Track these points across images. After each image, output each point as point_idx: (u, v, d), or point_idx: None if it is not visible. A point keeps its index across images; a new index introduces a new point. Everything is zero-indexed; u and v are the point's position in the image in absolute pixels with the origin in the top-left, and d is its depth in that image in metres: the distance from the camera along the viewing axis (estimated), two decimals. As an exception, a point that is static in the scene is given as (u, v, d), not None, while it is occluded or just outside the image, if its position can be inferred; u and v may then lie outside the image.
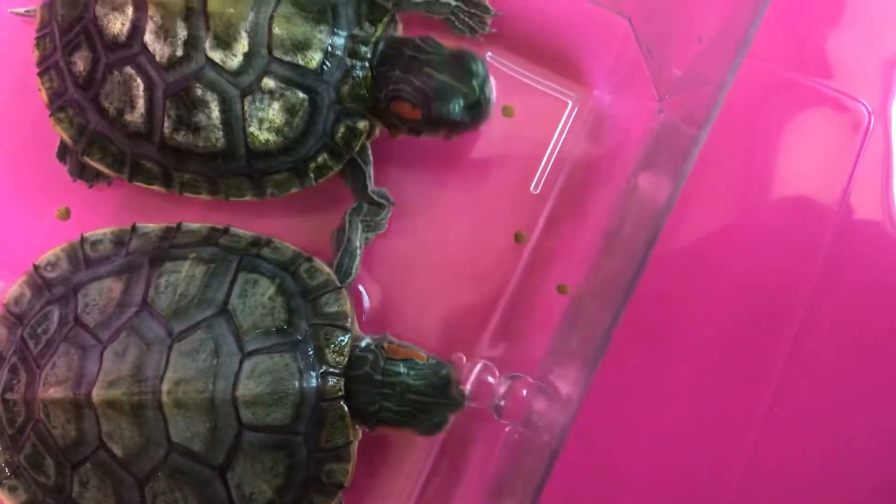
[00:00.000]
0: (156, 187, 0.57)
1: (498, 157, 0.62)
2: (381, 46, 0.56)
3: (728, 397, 0.60)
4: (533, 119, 0.62)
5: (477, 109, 0.54)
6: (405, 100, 0.55)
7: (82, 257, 0.55)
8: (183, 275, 0.52)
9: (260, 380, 0.49)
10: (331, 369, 0.51)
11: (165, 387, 0.49)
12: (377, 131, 0.58)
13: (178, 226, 0.56)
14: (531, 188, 0.62)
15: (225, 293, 0.51)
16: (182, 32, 0.53)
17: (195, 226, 0.56)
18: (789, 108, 0.62)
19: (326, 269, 0.55)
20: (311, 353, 0.51)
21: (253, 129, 0.54)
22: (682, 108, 0.52)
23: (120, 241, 0.56)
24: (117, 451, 0.50)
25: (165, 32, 0.53)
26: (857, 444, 0.60)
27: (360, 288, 0.61)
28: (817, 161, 0.62)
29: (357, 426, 0.53)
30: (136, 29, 0.54)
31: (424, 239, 0.61)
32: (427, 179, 0.62)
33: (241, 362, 0.50)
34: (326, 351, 0.51)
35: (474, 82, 0.54)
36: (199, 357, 0.49)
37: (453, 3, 0.60)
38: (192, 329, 0.50)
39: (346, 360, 0.51)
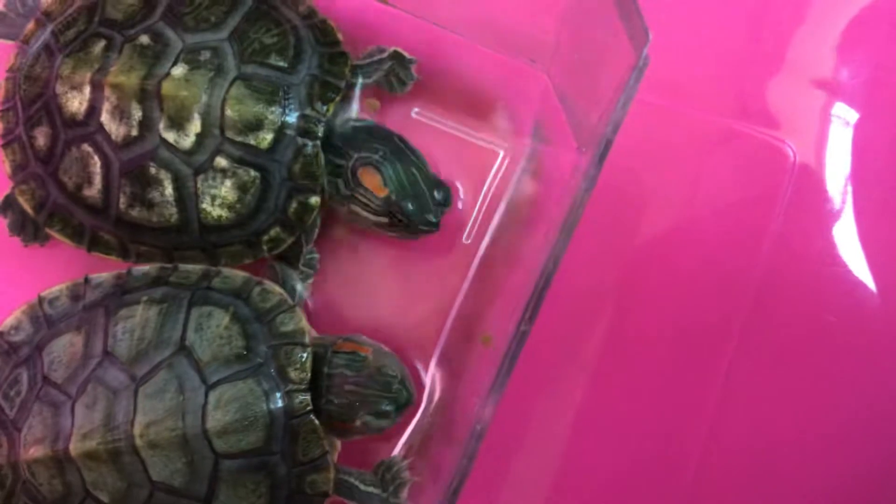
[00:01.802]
0: (113, 257, 0.59)
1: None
2: (369, 124, 0.59)
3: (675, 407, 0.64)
4: (464, 170, 0.64)
5: (432, 231, 0.58)
6: (377, 171, 0.57)
7: (42, 317, 0.57)
8: (138, 319, 0.54)
9: (227, 408, 0.51)
10: (295, 386, 0.52)
11: (137, 430, 0.50)
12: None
13: (129, 271, 0.57)
14: (463, 238, 0.63)
15: (181, 330, 0.53)
16: (137, 113, 0.55)
17: (144, 268, 0.57)
18: (722, 151, 0.66)
19: (278, 289, 0.56)
20: (273, 373, 0.52)
21: (206, 205, 0.56)
22: (588, 164, 0.54)
23: (76, 295, 0.57)
24: (104, 498, 0.51)
25: (121, 113, 0.55)
26: (800, 445, 0.63)
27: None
28: (748, 201, 0.65)
29: (333, 437, 0.55)
30: (94, 108, 0.55)
31: (357, 291, 0.63)
32: (358, 240, 0.64)
33: (206, 395, 0.51)
34: (289, 369, 0.53)
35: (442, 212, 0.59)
36: (165, 397, 0.51)
37: (389, 66, 0.62)
38: (154, 371, 0.52)
39: (308, 375, 0.53)
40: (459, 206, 0.63)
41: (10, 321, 0.57)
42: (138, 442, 0.50)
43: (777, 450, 0.63)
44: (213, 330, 0.53)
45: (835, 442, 0.63)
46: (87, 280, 0.57)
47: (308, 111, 0.56)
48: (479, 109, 0.65)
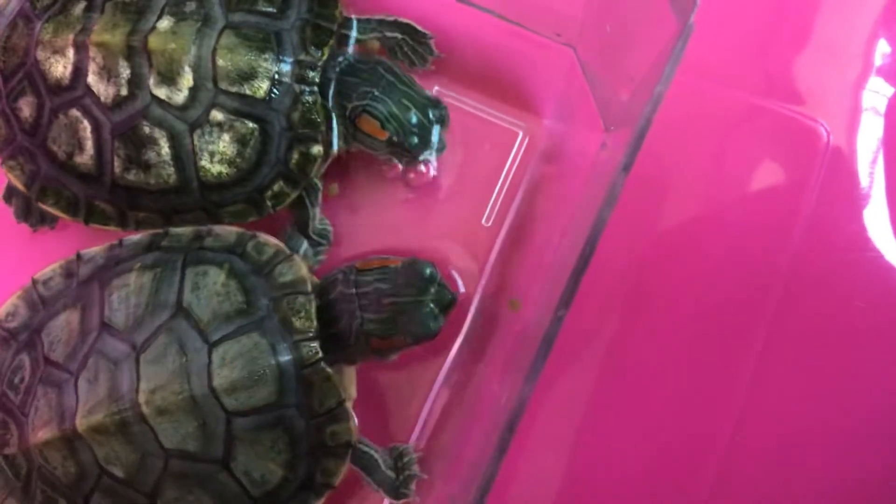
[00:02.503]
0: (112, 227, 0.56)
1: (450, 188, 0.62)
2: (351, 58, 0.57)
3: (698, 407, 0.61)
4: (484, 150, 0.62)
5: (439, 146, 0.58)
6: (375, 118, 0.55)
7: (38, 299, 0.55)
8: (132, 287, 0.52)
9: (233, 365, 0.49)
10: (301, 336, 0.50)
11: (142, 398, 0.48)
12: (331, 158, 0.58)
13: (120, 242, 0.55)
14: (482, 221, 0.61)
15: (176, 293, 0.51)
16: (125, 72, 0.52)
17: (136, 237, 0.55)
18: (753, 130, 0.63)
19: (273, 240, 0.54)
20: (277, 325, 0.50)
21: (204, 162, 0.54)
22: (621, 142, 0.52)
23: (69, 272, 0.55)
24: (118, 472, 0.49)
25: (108, 73, 0.53)
26: (831, 434, 0.60)
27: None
28: (780, 181, 0.62)
29: (352, 377, 0.54)
30: (79, 71, 0.53)
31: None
32: (378, 211, 0.62)
33: (209, 354, 0.49)
34: (293, 319, 0.50)
35: (442, 119, 0.58)
36: (167, 361, 0.49)
37: (399, 37, 0.60)
38: (154, 336, 0.50)
39: (314, 323, 0.51)
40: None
41: (5, 308, 0.55)
42: (145, 409, 0.48)
43: (806, 441, 0.60)
44: (211, 288, 0.51)
45: (866, 432, 0.60)
46: (78, 256, 0.55)
47: (302, 56, 0.54)
48: (500, 88, 0.63)
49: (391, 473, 0.55)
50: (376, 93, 0.56)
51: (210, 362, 0.49)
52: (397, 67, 0.57)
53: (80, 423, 0.48)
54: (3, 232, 0.62)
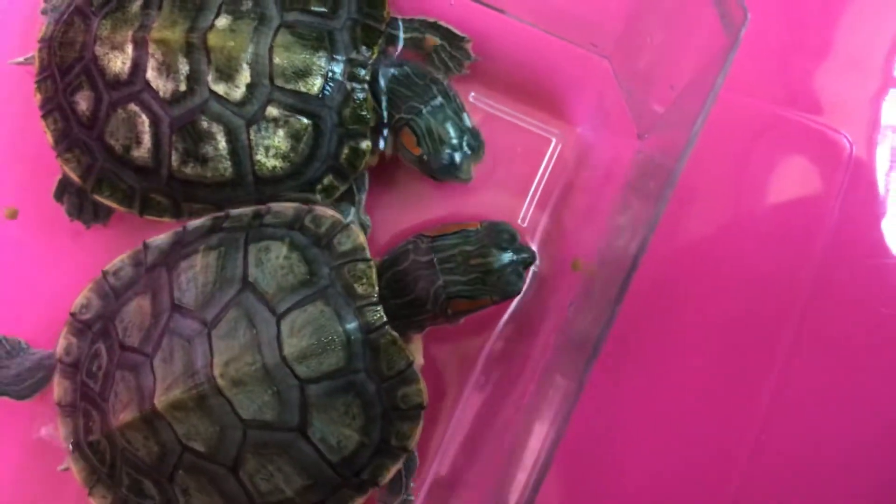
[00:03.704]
0: (166, 219, 0.58)
1: (486, 191, 0.64)
2: (406, 67, 0.59)
3: (723, 411, 0.63)
4: (518, 156, 0.64)
5: (463, 176, 0.60)
6: (414, 133, 0.58)
7: (109, 289, 0.57)
8: (199, 267, 0.53)
9: (302, 333, 0.50)
10: (364, 301, 0.52)
11: (217, 371, 0.50)
12: (377, 156, 0.60)
13: (184, 227, 0.57)
14: (518, 220, 0.64)
15: (241, 268, 0.53)
16: (184, 68, 0.54)
17: (198, 221, 0.57)
18: (775, 141, 0.65)
19: (330, 212, 0.56)
20: (341, 292, 0.52)
21: (260, 156, 0.56)
22: (659, 147, 0.54)
23: (137, 261, 0.57)
24: (199, 447, 0.51)
25: (167, 68, 0.54)
26: (856, 442, 0.62)
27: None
28: (803, 192, 0.64)
29: (418, 345, 0.56)
30: (138, 66, 0.55)
31: None
32: (416, 210, 0.64)
33: (278, 324, 0.51)
34: (355, 286, 0.52)
35: (473, 165, 0.60)
36: (237, 334, 0.51)
37: (438, 42, 0.62)
38: (223, 311, 0.51)
39: (376, 288, 0.53)
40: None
41: (79, 301, 0.57)
42: (220, 382, 0.50)
43: (831, 451, 0.62)
44: (274, 262, 0.53)
45: (892, 441, 0.62)
46: (145, 245, 0.57)
47: (354, 55, 0.56)
48: (534, 95, 0.64)
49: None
50: (423, 111, 0.58)
51: (279, 332, 0.50)
52: (451, 90, 0.60)
53: (159, 402, 0.50)
54: (59, 229, 0.63)
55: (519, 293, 0.55)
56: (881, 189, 0.65)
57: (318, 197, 0.58)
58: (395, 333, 0.52)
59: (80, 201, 0.61)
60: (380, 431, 0.53)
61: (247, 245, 0.53)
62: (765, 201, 0.64)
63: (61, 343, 0.57)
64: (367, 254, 0.54)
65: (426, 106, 0.58)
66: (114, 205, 0.58)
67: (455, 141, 0.58)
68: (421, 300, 0.54)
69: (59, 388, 0.56)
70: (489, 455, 0.60)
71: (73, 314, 0.57)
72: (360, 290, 0.52)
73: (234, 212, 0.57)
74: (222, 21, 0.54)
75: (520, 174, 0.64)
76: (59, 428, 0.56)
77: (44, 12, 0.61)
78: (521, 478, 0.49)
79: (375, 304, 0.52)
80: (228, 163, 0.56)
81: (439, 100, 0.59)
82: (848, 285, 0.63)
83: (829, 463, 0.62)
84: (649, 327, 0.63)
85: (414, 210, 0.64)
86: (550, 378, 0.56)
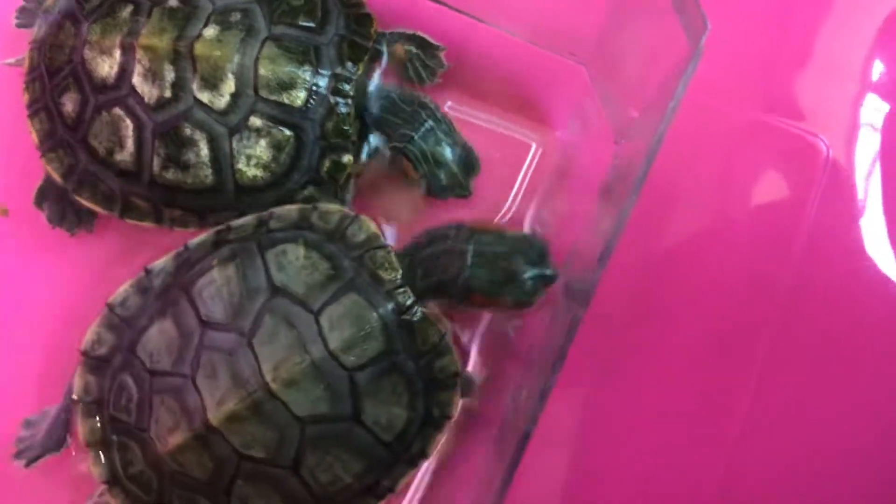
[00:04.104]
0: (147, 223, 0.59)
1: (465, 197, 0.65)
2: (393, 94, 0.60)
3: (706, 410, 0.64)
4: (497, 161, 0.65)
5: (463, 193, 0.62)
6: (409, 160, 0.60)
7: (119, 321, 0.56)
8: (219, 281, 0.54)
9: (341, 325, 0.52)
10: (391, 285, 0.54)
11: (268, 376, 0.50)
12: (363, 166, 0.61)
13: (186, 246, 0.57)
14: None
15: (265, 276, 0.53)
16: (170, 75, 0.55)
17: (200, 238, 0.57)
18: (755, 146, 0.66)
19: (335, 206, 0.57)
20: (368, 281, 0.53)
21: (241, 165, 0.56)
22: (632, 152, 0.55)
23: (142, 288, 0.57)
24: (259, 454, 0.51)
25: (153, 75, 0.55)
26: (836, 445, 0.63)
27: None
28: (781, 196, 0.66)
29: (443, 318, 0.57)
30: (125, 72, 0.55)
31: None
32: (393, 212, 0.64)
33: (316, 321, 0.52)
34: (380, 273, 0.54)
35: (471, 180, 0.62)
36: (279, 337, 0.51)
37: (413, 50, 0.63)
38: (259, 319, 0.52)
39: (399, 271, 0.54)
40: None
41: (89, 338, 0.57)
42: (273, 386, 0.50)
43: (810, 452, 0.63)
44: (295, 263, 0.54)
45: (871, 443, 0.63)
46: (147, 271, 0.57)
47: (339, 70, 0.57)
48: (513, 101, 0.65)
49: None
50: (415, 137, 0.60)
51: (320, 328, 0.51)
52: (439, 112, 0.61)
53: (214, 417, 0.50)
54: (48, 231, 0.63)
55: (532, 306, 0.56)
56: (859, 191, 0.66)
57: (298, 208, 0.58)
58: (423, 311, 0.54)
59: (61, 208, 0.62)
60: (424, 404, 0.54)
61: (262, 252, 0.54)
62: (745, 205, 0.66)
63: (78, 383, 0.56)
64: (382, 240, 0.55)
65: (417, 132, 0.60)
66: (94, 206, 0.59)
67: (450, 161, 0.60)
68: (445, 284, 0.55)
69: (84, 427, 0.56)
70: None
71: (85, 352, 0.56)
72: (385, 276, 0.54)
73: (237, 223, 0.57)
74: (210, 31, 0.55)
75: (499, 180, 0.65)
76: (91, 468, 0.56)
77: (19, 26, 0.63)
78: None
79: (402, 286, 0.54)
80: (210, 170, 0.56)
81: (429, 123, 0.60)
82: (826, 286, 0.64)
83: (808, 465, 0.63)
84: (627, 333, 0.64)
85: (400, 215, 0.64)
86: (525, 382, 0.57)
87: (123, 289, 0.57)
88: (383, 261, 0.54)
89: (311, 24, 0.57)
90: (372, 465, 0.54)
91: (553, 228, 0.63)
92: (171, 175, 0.56)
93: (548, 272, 0.55)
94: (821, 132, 0.65)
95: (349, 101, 0.57)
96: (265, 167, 0.57)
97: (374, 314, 0.53)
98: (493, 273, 0.55)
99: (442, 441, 0.56)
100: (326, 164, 0.58)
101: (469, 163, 0.61)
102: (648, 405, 0.63)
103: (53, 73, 0.58)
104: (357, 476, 0.53)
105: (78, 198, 0.59)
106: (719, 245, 0.65)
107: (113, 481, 0.55)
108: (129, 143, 0.56)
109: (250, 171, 0.56)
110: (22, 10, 0.64)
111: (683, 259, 0.65)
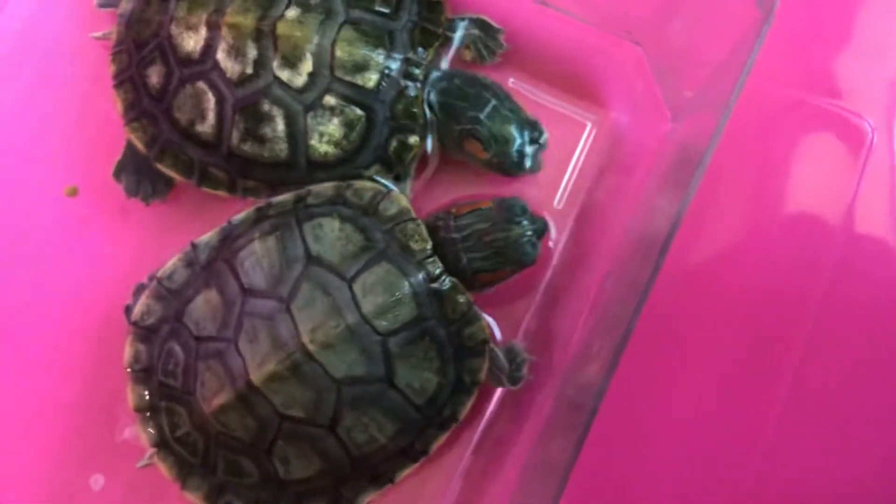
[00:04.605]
0: (221, 192, 0.62)
1: (523, 176, 0.66)
2: (456, 80, 0.62)
3: (741, 405, 0.65)
4: (554, 139, 0.66)
5: (534, 167, 0.63)
6: (478, 140, 0.61)
7: (167, 293, 0.60)
8: (259, 252, 0.57)
9: (374, 292, 0.55)
10: (422, 255, 0.56)
11: (306, 339, 0.54)
12: (429, 149, 0.63)
13: (229, 221, 0.60)
14: (554, 203, 0.66)
15: (302, 247, 0.56)
16: (252, 52, 0.58)
17: (242, 215, 0.60)
18: (797, 125, 0.67)
19: (369, 184, 0.60)
20: (398, 251, 0.56)
21: (314, 141, 0.59)
22: (692, 129, 0.57)
23: (189, 262, 0.60)
24: (298, 413, 0.55)
25: (237, 52, 0.58)
26: (867, 450, 0.64)
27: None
28: (824, 176, 0.66)
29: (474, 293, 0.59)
30: (209, 48, 0.59)
31: None
32: (458, 193, 0.66)
33: (350, 288, 0.55)
34: (410, 243, 0.57)
35: (540, 154, 0.63)
36: (316, 303, 0.54)
37: (476, 33, 0.65)
38: (297, 286, 0.55)
39: (429, 242, 0.57)
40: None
41: (139, 309, 0.60)
42: (311, 348, 0.53)
43: (842, 459, 0.63)
44: (330, 235, 0.57)
45: None
46: (193, 245, 0.60)
47: (411, 55, 0.60)
48: (569, 82, 0.67)
49: (506, 364, 0.60)
50: (482, 117, 0.61)
51: (353, 295, 0.55)
52: (502, 91, 0.63)
53: (256, 377, 0.54)
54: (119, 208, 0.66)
55: (534, 262, 0.59)
56: None
57: (365, 185, 0.61)
58: (453, 280, 0.57)
59: (137, 179, 0.65)
60: (454, 370, 0.57)
61: (300, 225, 0.57)
62: (787, 185, 0.66)
63: (128, 352, 0.59)
64: (413, 214, 0.58)
65: (482, 112, 0.61)
66: (174, 174, 0.62)
67: (518, 138, 0.61)
68: (451, 273, 0.58)
69: (133, 394, 0.59)
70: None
71: (135, 323, 0.60)
72: (415, 246, 0.57)
73: (276, 200, 0.60)
74: (292, 12, 0.58)
75: (556, 158, 0.66)
76: (140, 433, 0.59)
77: (100, 5, 0.66)
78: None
79: (431, 256, 0.57)
80: (285, 145, 0.59)
81: (493, 103, 0.62)
82: (867, 271, 0.65)
83: (835, 473, 0.64)
84: (672, 311, 0.65)
85: (454, 194, 0.66)
86: (586, 356, 0.59)
87: (171, 262, 0.60)
88: (413, 233, 0.57)
89: (387, 10, 0.60)
90: (405, 428, 0.57)
91: (609, 208, 0.65)
92: (248, 148, 0.59)
93: (536, 224, 0.59)
94: (865, 113, 0.66)
95: (419, 84, 0.60)
96: (336, 144, 0.59)
97: (405, 282, 0.55)
98: (484, 250, 0.58)
99: (469, 407, 0.58)
100: (394, 144, 0.60)
101: (537, 138, 0.62)
102: (678, 408, 0.64)
103: (140, 45, 0.61)
104: (391, 437, 0.56)
105: (159, 165, 0.62)
106: (762, 225, 0.66)
107: (161, 444, 0.59)
108: (211, 116, 0.59)
109: (322, 148, 0.59)
110: None
111: (727, 238, 0.66)
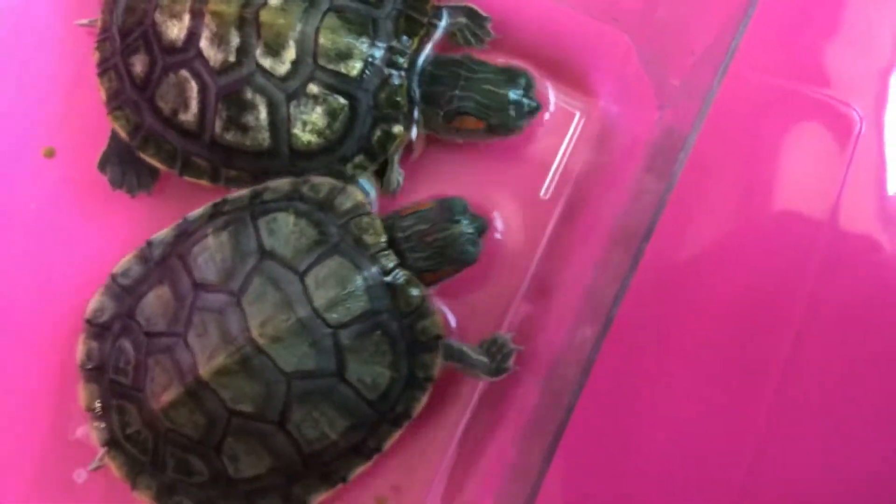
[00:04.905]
0: (204, 181, 0.61)
1: (510, 165, 0.67)
2: (428, 67, 0.61)
3: (729, 400, 0.64)
4: (541, 129, 0.67)
5: (531, 115, 0.62)
6: (470, 115, 0.61)
7: (120, 290, 0.60)
8: (213, 247, 0.57)
9: (326, 285, 0.54)
10: (374, 249, 0.56)
11: (256, 332, 0.53)
12: (413, 138, 0.63)
13: (184, 218, 0.60)
14: (541, 194, 0.66)
15: (255, 241, 0.56)
16: (235, 40, 0.58)
17: (198, 211, 0.60)
18: (785, 115, 0.67)
19: (325, 179, 0.60)
20: (352, 245, 0.56)
21: (297, 130, 0.59)
22: (677, 117, 0.56)
23: (143, 258, 0.60)
24: (247, 408, 0.54)
25: (220, 39, 0.58)
26: (857, 448, 0.63)
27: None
28: (812, 166, 0.66)
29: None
30: (193, 36, 0.58)
31: None
32: (444, 185, 0.66)
33: (302, 281, 0.54)
34: (364, 237, 0.56)
35: (530, 92, 0.62)
36: (266, 297, 0.54)
37: (463, 20, 0.65)
38: (248, 280, 0.55)
39: (383, 235, 0.57)
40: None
41: (92, 306, 0.60)
42: (261, 341, 0.53)
43: (834, 448, 0.63)
44: (284, 230, 0.56)
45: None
46: (149, 243, 0.60)
47: (394, 43, 0.59)
48: (557, 70, 0.67)
49: (485, 358, 0.60)
50: (458, 93, 0.61)
51: (305, 288, 0.54)
52: (467, 59, 0.62)
53: (205, 371, 0.53)
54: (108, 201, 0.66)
55: (475, 260, 0.59)
56: (889, 160, 0.66)
57: (349, 174, 0.61)
58: (408, 272, 0.56)
59: (122, 171, 0.65)
60: (407, 365, 0.57)
61: (255, 221, 0.57)
62: (774, 175, 0.66)
63: (81, 349, 0.59)
64: (368, 208, 0.58)
65: (457, 88, 0.61)
66: (157, 163, 0.62)
67: (505, 92, 0.61)
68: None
69: (85, 392, 0.59)
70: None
71: (88, 320, 0.59)
72: (369, 240, 0.56)
73: (232, 196, 0.60)
74: (275, 0, 0.58)
75: (544, 148, 0.66)
76: (91, 431, 0.59)
77: None
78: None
79: (385, 249, 0.56)
80: (267, 133, 0.59)
81: (464, 73, 0.61)
82: (855, 259, 0.65)
83: (825, 470, 0.63)
84: (659, 306, 0.64)
85: (443, 184, 0.66)
86: (571, 340, 0.58)
87: (126, 259, 0.60)
88: (368, 226, 0.57)
89: (371, -2, 0.60)
90: (357, 423, 0.56)
91: (596, 198, 0.65)
92: (231, 136, 0.59)
93: (476, 223, 0.59)
94: (853, 101, 0.66)
95: (402, 73, 0.60)
96: (319, 133, 0.59)
97: (358, 275, 0.55)
98: (426, 250, 0.58)
99: (424, 402, 0.58)
100: (377, 133, 0.60)
101: (522, 83, 0.62)
102: (664, 406, 0.64)
103: (125, 34, 0.61)
104: (342, 433, 0.56)
105: (142, 154, 0.62)
106: (749, 213, 0.65)
107: (112, 443, 0.58)
108: (194, 105, 0.59)
109: (305, 137, 0.59)
110: None
111: (714, 229, 0.65)
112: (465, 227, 0.58)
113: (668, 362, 0.64)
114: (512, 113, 0.61)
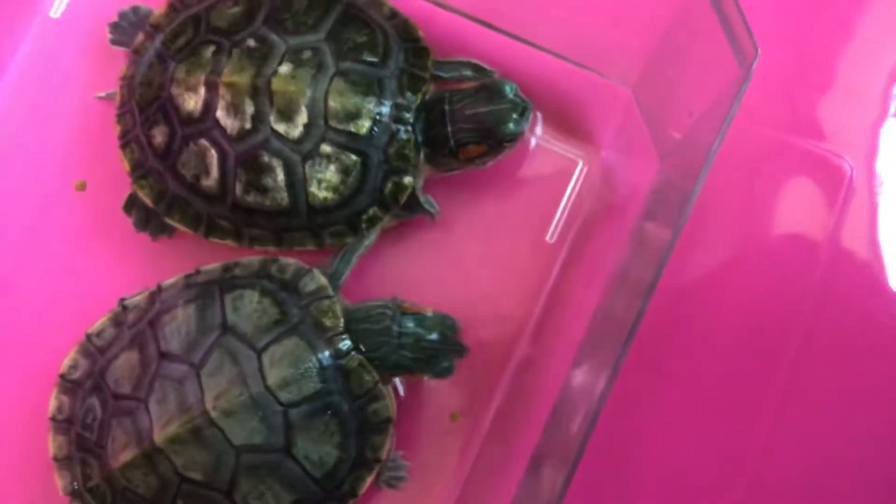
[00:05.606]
0: (229, 242, 0.65)
1: (517, 211, 0.70)
2: (422, 114, 0.64)
3: (721, 448, 0.67)
4: (546, 177, 0.70)
5: (526, 114, 0.64)
6: (470, 143, 0.64)
7: (94, 350, 0.63)
8: (180, 318, 0.60)
9: (281, 363, 0.57)
10: (332, 332, 0.59)
11: (209, 404, 0.56)
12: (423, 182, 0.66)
13: (159, 286, 0.64)
14: (547, 237, 0.69)
15: (220, 316, 0.59)
16: (250, 108, 0.61)
17: (171, 280, 0.64)
18: (782, 165, 0.70)
19: (292, 260, 0.63)
20: (311, 326, 0.59)
21: (313, 188, 0.62)
22: (679, 168, 0.59)
23: (118, 321, 0.63)
24: (197, 476, 0.57)
25: (235, 108, 0.61)
26: (853, 469, 0.67)
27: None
28: (806, 213, 0.69)
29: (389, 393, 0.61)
30: (209, 106, 0.62)
31: (447, 286, 0.69)
32: (451, 230, 0.70)
33: (259, 359, 0.57)
34: (323, 320, 0.59)
35: (513, 96, 0.64)
36: (223, 371, 0.57)
37: (469, 75, 0.68)
38: (208, 353, 0.58)
39: (341, 320, 0.59)
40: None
41: (66, 363, 0.63)
42: (213, 414, 0.56)
43: (835, 455, 0.66)
44: (248, 307, 0.59)
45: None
46: (123, 306, 0.64)
47: (400, 100, 0.63)
48: (561, 122, 0.70)
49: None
50: (450, 128, 0.64)
51: (261, 365, 0.57)
52: (447, 93, 0.65)
53: (158, 438, 0.56)
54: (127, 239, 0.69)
55: (446, 375, 0.61)
56: (880, 209, 0.69)
57: (363, 226, 0.64)
58: (359, 357, 0.59)
59: (146, 215, 0.68)
60: (356, 446, 0.59)
61: (222, 295, 0.60)
62: (771, 222, 0.69)
63: (53, 403, 0.63)
64: (330, 292, 0.61)
65: (451, 124, 0.63)
66: (183, 227, 0.65)
67: (494, 105, 0.63)
68: (379, 361, 0.60)
69: (53, 443, 0.62)
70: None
71: (62, 375, 0.63)
72: (327, 323, 0.59)
73: (205, 268, 0.64)
74: (285, 68, 0.61)
75: (548, 195, 0.69)
76: (57, 480, 0.62)
77: (113, 43, 0.69)
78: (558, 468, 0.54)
79: (342, 333, 0.59)
80: (285, 193, 0.62)
81: (449, 110, 0.63)
82: (848, 302, 0.68)
83: (823, 482, 0.66)
84: (661, 347, 0.67)
85: (451, 226, 0.69)
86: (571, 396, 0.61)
87: (101, 322, 0.64)
88: (327, 309, 0.59)
89: (374, 59, 0.63)
90: (301, 499, 0.58)
91: (601, 242, 0.68)
92: (251, 198, 0.63)
93: (460, 348, 0.61)
94: (845, 153, 0.69)
95: (409, 127, 0.63)
96: (334, 189, 0.62)
97: (313, 356, 0.58)
98: (415, 353, 0.60)
99: (369, 483, 0.60)
100: (389, 185, 0.63)
101: (511, 91, 0.63)
102: (665, 441, 0.66)
103: (143, 107, 0.64)
104: None
105: (168, 220, 0.65)
106: (746, 260, 0.68)
107: (74, 494, 0.62)
108: (214, 171, 0.63)
109: (321, 194, 0.62)
110: (115, 27, 0.70)
111: (712, 274, 0.68)
112: (454, 351, 0.61)
113: (664, 400, 0.67)
114: (512, 123, 0.63)
